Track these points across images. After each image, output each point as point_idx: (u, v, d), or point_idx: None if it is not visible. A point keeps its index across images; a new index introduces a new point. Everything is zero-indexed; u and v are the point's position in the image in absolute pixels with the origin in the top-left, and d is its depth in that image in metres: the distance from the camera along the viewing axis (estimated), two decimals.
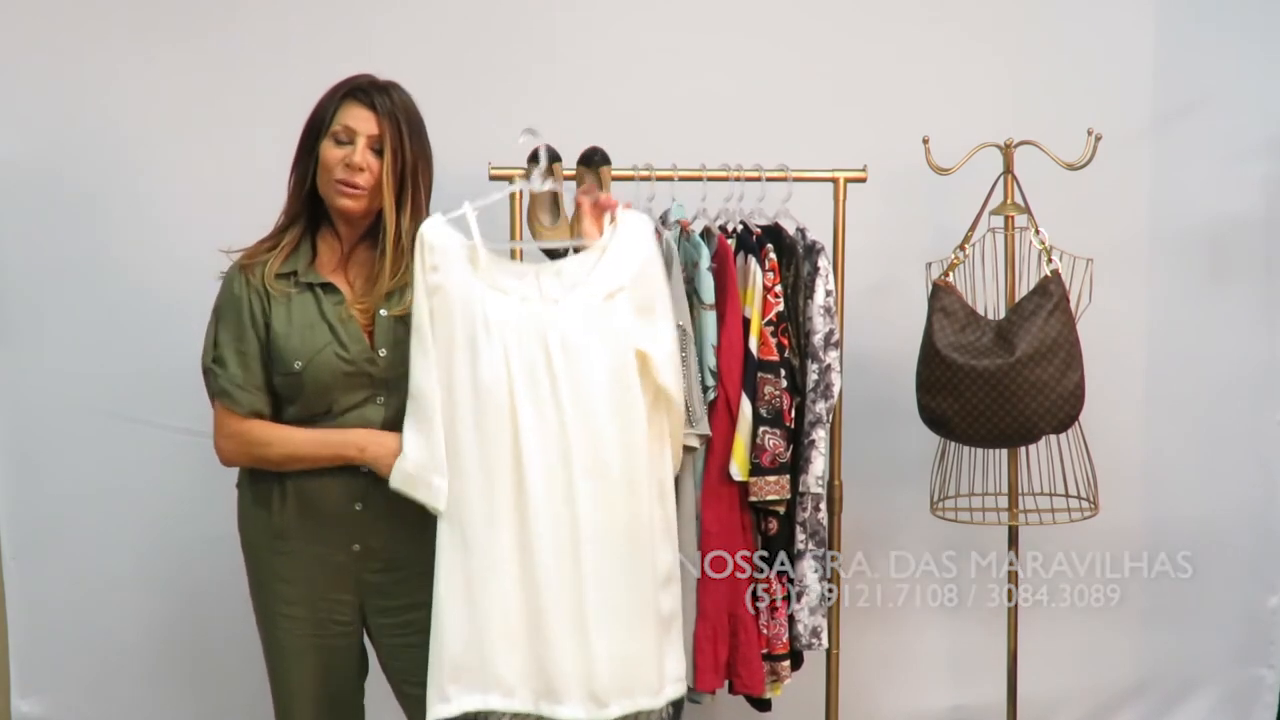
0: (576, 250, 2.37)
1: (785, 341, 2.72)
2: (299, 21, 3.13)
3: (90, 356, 3.15)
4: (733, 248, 2.73)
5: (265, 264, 2.34)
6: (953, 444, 2.93)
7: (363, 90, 2.32)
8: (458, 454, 2.21)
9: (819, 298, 2.72)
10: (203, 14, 3.12)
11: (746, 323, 2.70)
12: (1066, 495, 2.98)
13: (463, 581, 2.20)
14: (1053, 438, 2.88)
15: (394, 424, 2.30)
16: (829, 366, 2.73)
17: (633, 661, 2.23)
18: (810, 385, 2.73)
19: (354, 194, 2.30)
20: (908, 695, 3.38)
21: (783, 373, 2.70)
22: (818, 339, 2.72)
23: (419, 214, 2.35)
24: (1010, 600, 3.04)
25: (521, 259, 2.39)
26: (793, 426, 2.73)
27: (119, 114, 3.11)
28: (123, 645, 3.21)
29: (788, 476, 2.71)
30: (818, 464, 2.72)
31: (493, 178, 2.78)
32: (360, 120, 2.30)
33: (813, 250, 2.74)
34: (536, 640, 2.19)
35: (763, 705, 2.81)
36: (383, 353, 2.32)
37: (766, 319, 2.69)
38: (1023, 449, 2.96)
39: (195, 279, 3.13)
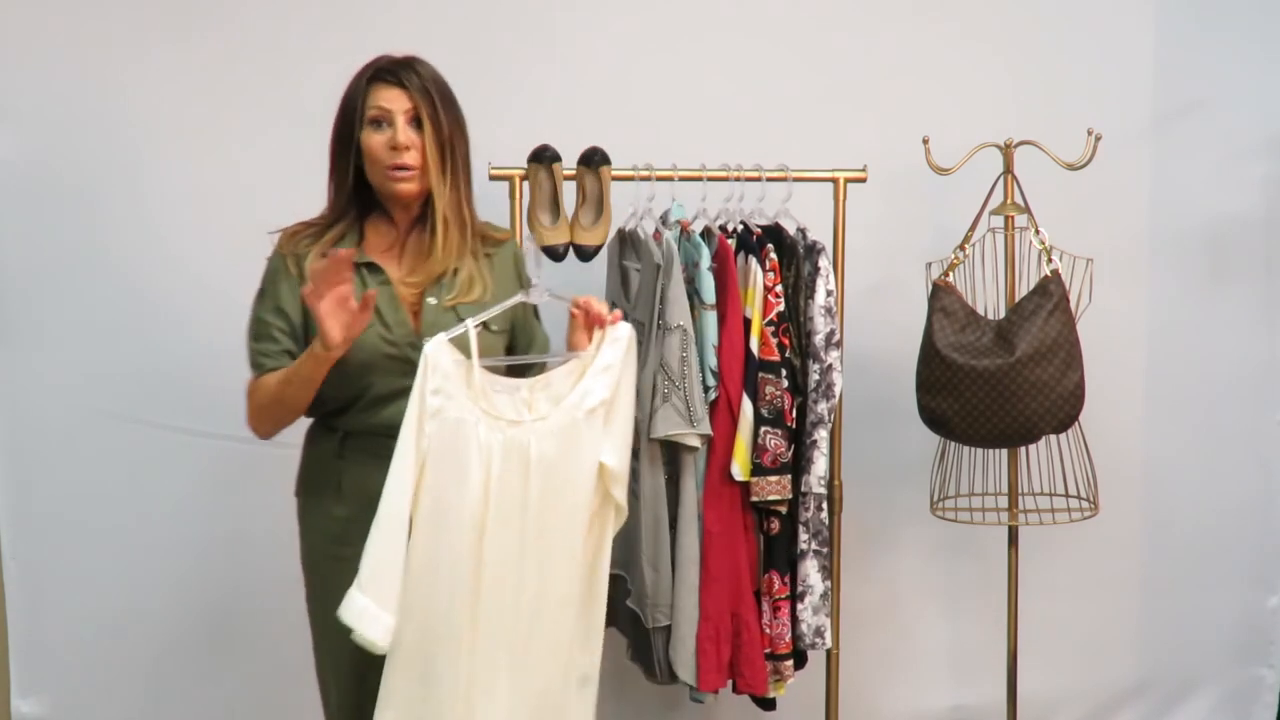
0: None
1: (786, 341, 2.72)
2: (298, 22, 3.13)
3: (90, 356, 3.14)
4: (733, 248, 2.74)
5: (310, 251, 2.30)
6: (953, 444, 2.93)
7: (387, 70, 2.28)
8: (435, 581, 2.17)
9: (820, 298, 2.72)
10: (202, 15, 3.11)
11: (747, 323, 2.70)
12: (1066, 495, 2.98)
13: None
14: (1053, 438, 2.88)
15: None
16: (830, 366, 2.73)
17: None
18: (812, 385, 2.73)
19: (408, 175, 2.26)
20: (908, 695, 3.38)
21: (784, 373, 2.70)
22: (819, 339, 2.72)
23: (460, 184, 2.32)
24: (1010, 600, 3.04)
25: (543, 373, 2.33)
26: (794, 426, 2.74)
27: (119, 114, 3.10)
28: (123, 645, 3.21)
29: (789, 476, 2.71)
30: (819, 464, 2.72)
31: (492, 177, 2.78)
32: (392, 99, 2.26)
33: (813, 250, 2.74)
34: None
35: (767, 704, 2.82)
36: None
37: (767, 319, 2.69)
38: (1023, 449, 2.96)
39: (195, 279, 3.15)
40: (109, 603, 3.20)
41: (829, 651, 2.90)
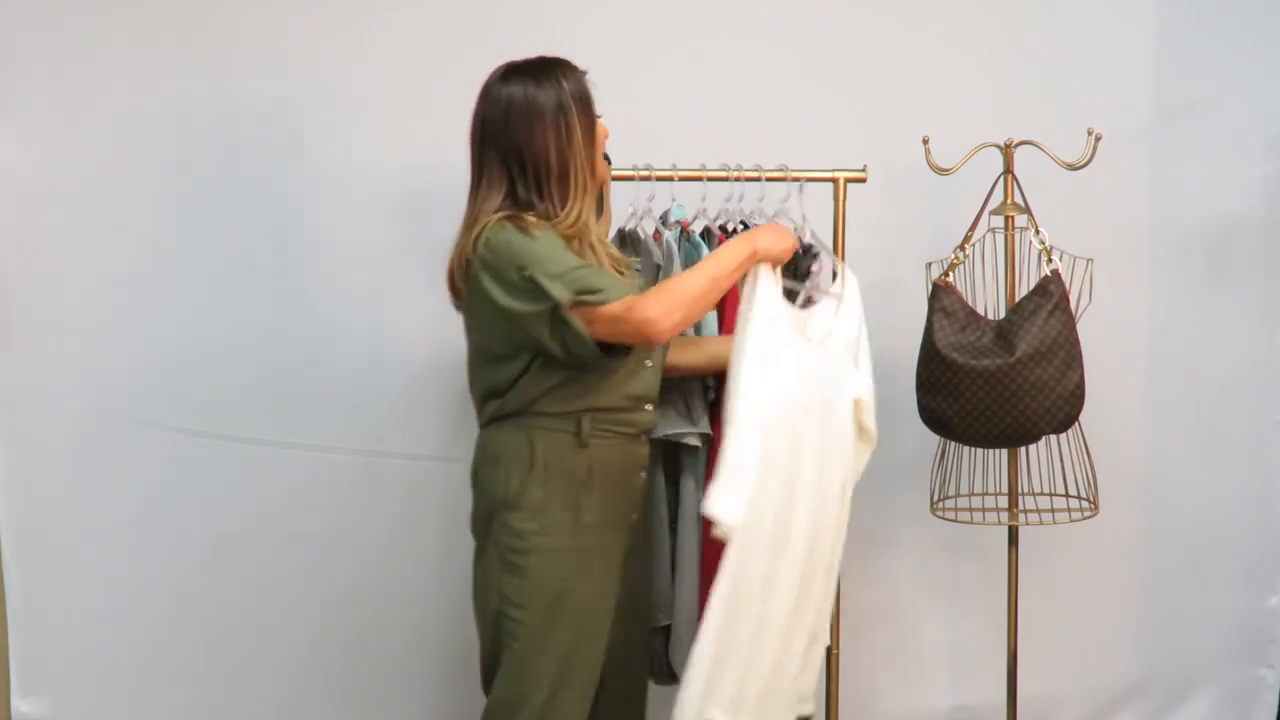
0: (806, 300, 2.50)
1: None
2: (299, 23, 3.13)
3: (91, 356, 3.14)
4: None
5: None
6: (953, 444, 2.93)
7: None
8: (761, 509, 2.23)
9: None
10: (203, 15, 3.11)
11: None
12: (1066, 495, 2.98)
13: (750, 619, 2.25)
14: (1053, 438, 2.88)
15: (658, 386, 2.46)
16: None
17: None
18: None
19: None
20: (908, 695, 3.37)
21: None
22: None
23: None
24: (1010, 600, 3.04)
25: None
26: None
27: (120, 114, 3.11)
28: (123, 645, 3.21)
29: None
30: None
31: None
32: None
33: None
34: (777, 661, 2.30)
35: None
36: None
37: None
38: (1023, 449, 2.96)
39: (196, 279, 3.15)
40: (109, 603, 3.20)
41: (829, 651, 2.89)
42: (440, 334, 3.15)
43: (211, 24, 3.12)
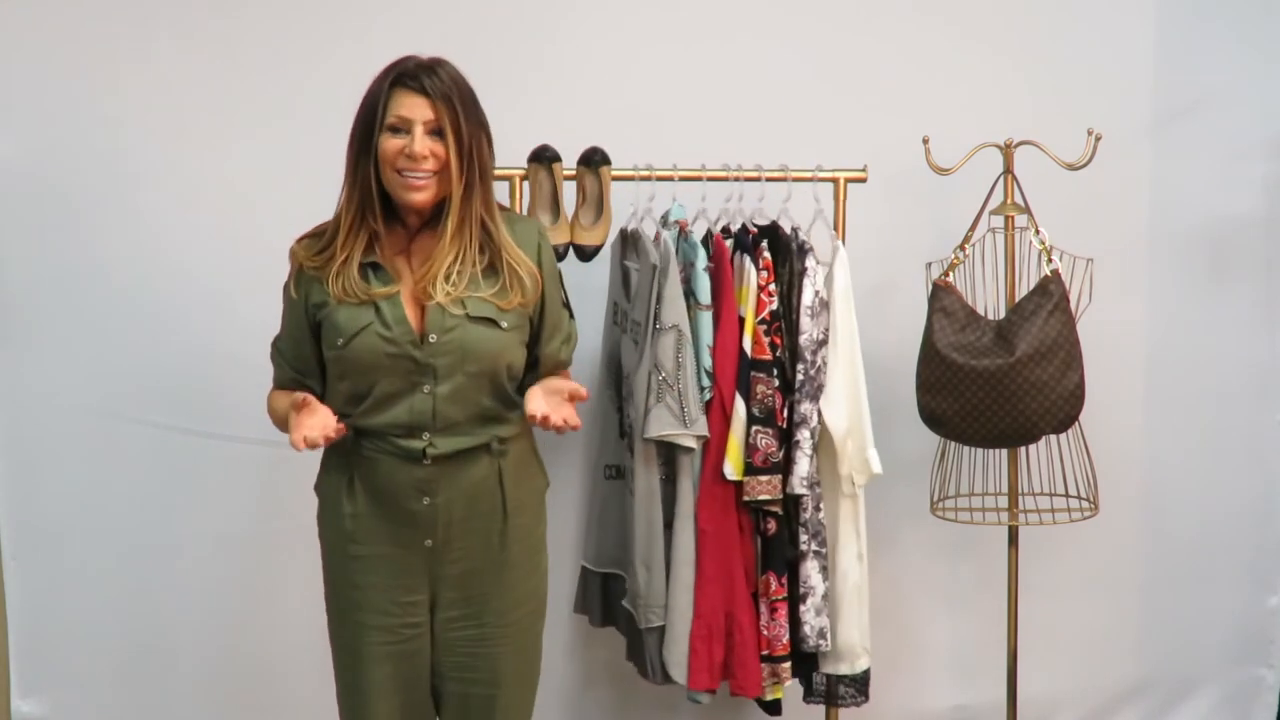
0: None
1: (779, 341, 2.72)
2: (297, 24, 3.13)
3: (90, 357, 3.14)
4: (730, 248, 2.74)
5: (317, 248, 2.31)
6: (953, 444, 2.93)
7: (410, 75, 2.21)
8: None
9: (806, 298, 2.72)
10: (202, 17, 3.11)
11: (742, 322, 2.71)
12: (1066, 495, 2.98)
13: None
14: (1053, 438, 2.88)
15: (444, 414, 2.24)
16: (819, 368, 2.73)
17: None
18: (797, 385, 2.73)
19: (420, 185, 2.20)
20: (908, 694, 3.38)
21: (775, 372, 2.71)
22: (804, 339, 2.72)
23: (488, 193, 2.27)
24: (1010, 600, 3.04)
25: None
26: (785, 426, 2.73)
27: (119, 116, 3.10)
28: (123, 645, 3.21)
29: (780, 476, 2.71)
30: (802, 464, 2.71)
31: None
32: (414, 108, 2.19)
33: (803, 250, 2.74)
34: None
35: (771, 708, 2.82)
36: (432, 338, 2.23)
37: (759, 317, 2.70)
38: (1023, 449, 2.96)
39: (195, 279, 3.15)
40: (109, 603, 3.20)
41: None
42: None
43: (212, 24, 3.12)
